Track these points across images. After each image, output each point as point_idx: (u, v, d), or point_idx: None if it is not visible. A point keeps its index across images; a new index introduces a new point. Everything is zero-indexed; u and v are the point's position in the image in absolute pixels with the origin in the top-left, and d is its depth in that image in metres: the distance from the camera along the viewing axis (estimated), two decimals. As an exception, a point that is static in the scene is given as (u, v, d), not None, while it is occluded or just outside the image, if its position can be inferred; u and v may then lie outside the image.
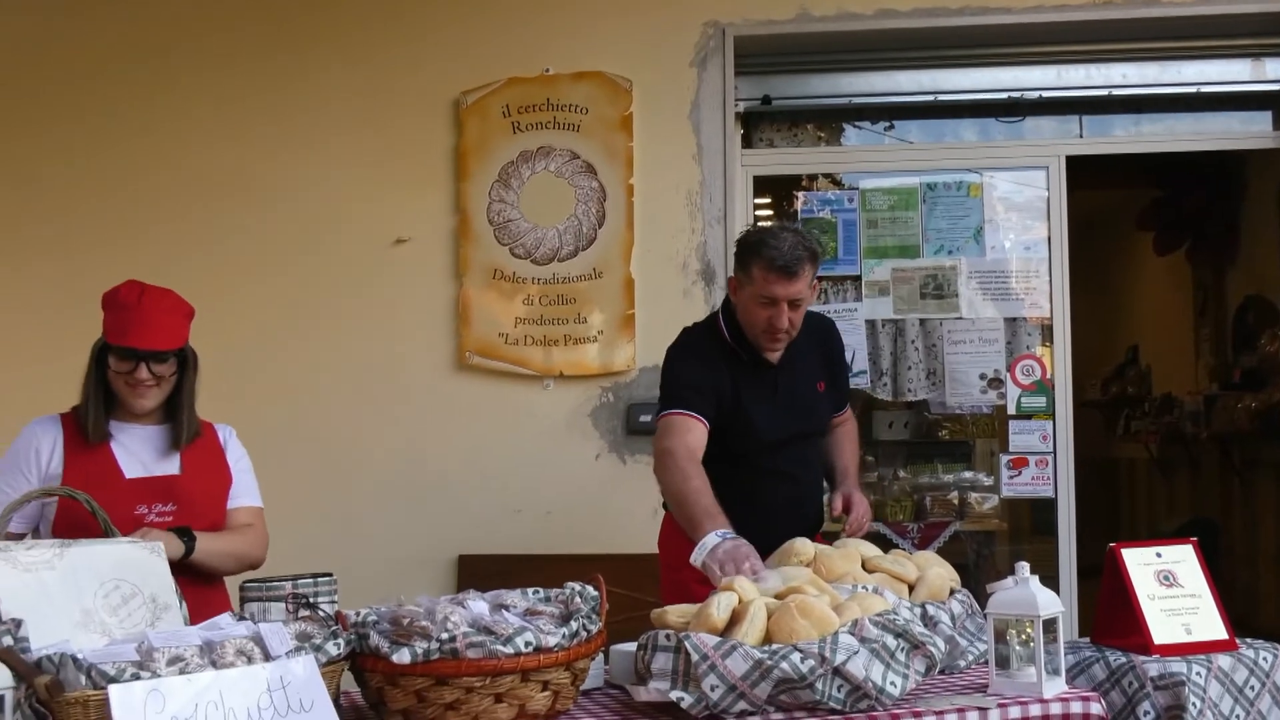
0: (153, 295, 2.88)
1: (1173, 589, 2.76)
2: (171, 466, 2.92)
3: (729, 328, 3.31)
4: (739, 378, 3.26)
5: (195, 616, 2.43)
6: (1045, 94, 4.91)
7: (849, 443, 3.58)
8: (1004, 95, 4.92)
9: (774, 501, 3.25)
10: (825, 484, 3.53)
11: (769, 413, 3.27)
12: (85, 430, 2.87)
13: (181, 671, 1.93)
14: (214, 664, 1.98)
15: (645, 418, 4.57)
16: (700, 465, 3.09)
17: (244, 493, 3.05)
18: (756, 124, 5.02)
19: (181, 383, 2.93)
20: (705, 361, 3.26)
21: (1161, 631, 2.68)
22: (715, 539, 2.83)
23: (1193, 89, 4.88)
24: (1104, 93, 4.88)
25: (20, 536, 2.82)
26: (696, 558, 2.83)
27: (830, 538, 3.03)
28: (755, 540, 3.05)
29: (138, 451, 2.91)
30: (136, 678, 1.88)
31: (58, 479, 2.83)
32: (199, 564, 2.84)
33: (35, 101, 4.94)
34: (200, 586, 2.81)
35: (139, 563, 2.42)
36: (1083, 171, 4.91)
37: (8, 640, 1.96)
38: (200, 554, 2.82)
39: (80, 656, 1.91)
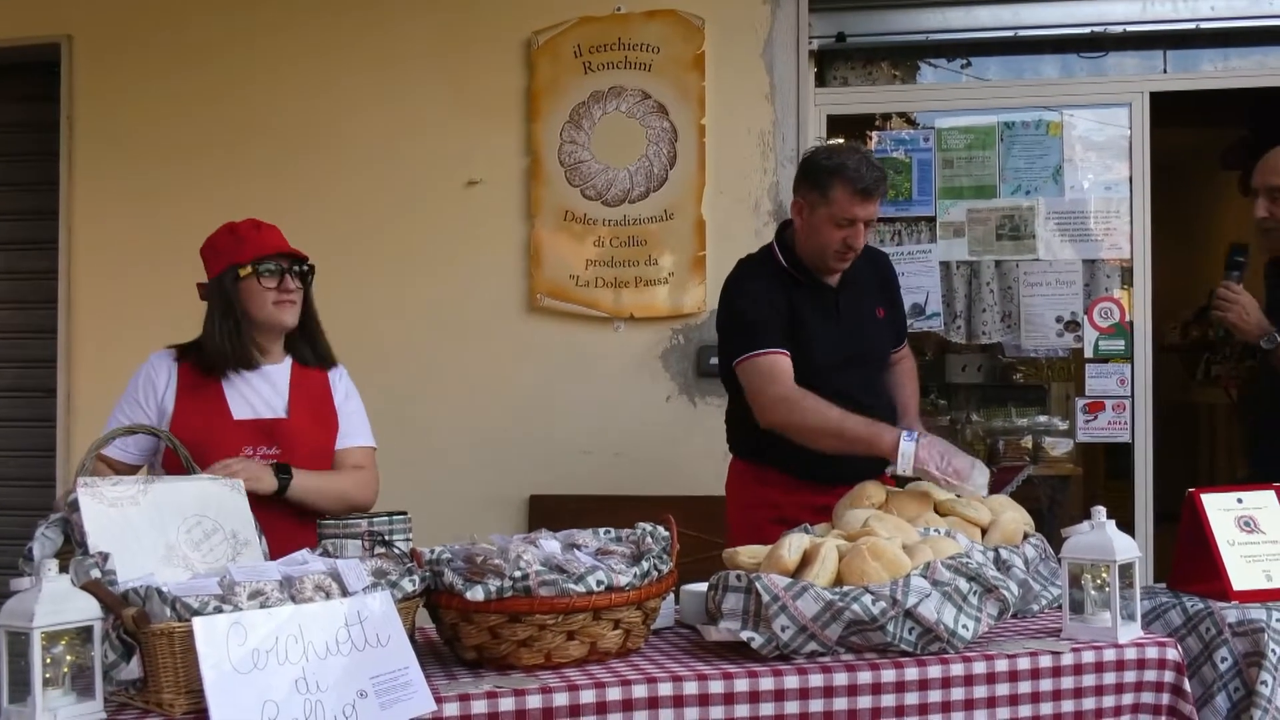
0: (266, 225, 2.97)
1: (1253, 535, 2.72)
2: (279, 409, 2.93)
3: (785, 254, 3.31)
4: (799, 302, 3.26)
5: (284, 550, 2.38)
6: (1129, 28, 4.75)
7: (909, 380, 3.56)
8: (1086, 30, 4.77)
9: None
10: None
11: (832, 333, 3.27)
12: (233, 361, 2.88)
13: (262, 605, 1.97)
14: (293, 599, 2.02)
15: (716, 360, 4.56)
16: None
17: (355, 432, 3.03)
18: (830, 62, 4.93)
19: (308, 298, 2.99)
20: (768, 289, 3.26)
21: (1241, 578, 2.64)
22: (909, 439, 2.87)
23: (1286, 21, 4.71)
24: (1190, 26, 4.72)
25: (135, 469, 2.88)
26: (905, 465, 2.87)
27: (899, 481, 3.01)
28: (824, 469, 3.08)
29: (247, 393, 2.92)
30: (219, 610, 1.93)
31: (170, 414, 2.86)
32: (298, 501, 2.81)
33: (120, 61, 5.01)
34: (294, 523, 2.76)
35: (220, 499, 2.46)
36: (1166, 109, 4.77)
37: (96, 573, 2.01)
38: (297, 490, 2.80)
39: (165, 589, 1.96)
